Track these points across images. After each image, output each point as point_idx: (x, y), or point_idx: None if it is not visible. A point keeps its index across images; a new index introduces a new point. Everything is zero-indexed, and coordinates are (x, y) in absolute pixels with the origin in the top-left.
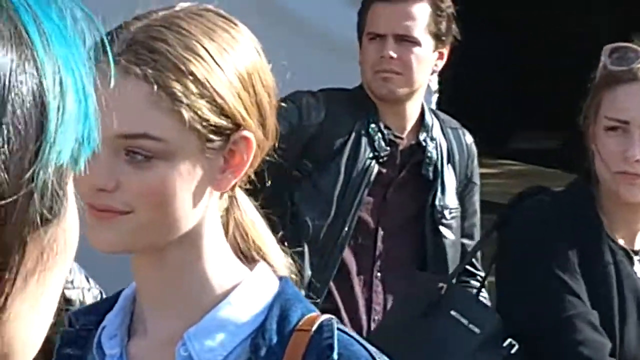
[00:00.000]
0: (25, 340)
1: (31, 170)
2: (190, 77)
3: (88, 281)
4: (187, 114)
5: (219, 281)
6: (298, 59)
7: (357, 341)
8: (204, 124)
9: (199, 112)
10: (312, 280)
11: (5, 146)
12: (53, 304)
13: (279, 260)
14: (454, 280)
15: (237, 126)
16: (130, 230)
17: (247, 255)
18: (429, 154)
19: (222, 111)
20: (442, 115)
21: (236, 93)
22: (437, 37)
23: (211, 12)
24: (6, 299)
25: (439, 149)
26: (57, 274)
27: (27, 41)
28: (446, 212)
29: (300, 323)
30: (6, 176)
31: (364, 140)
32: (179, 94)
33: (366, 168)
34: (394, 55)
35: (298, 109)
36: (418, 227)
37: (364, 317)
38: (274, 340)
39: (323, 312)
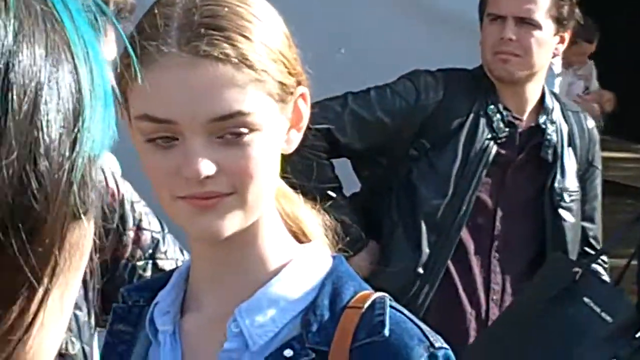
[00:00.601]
0: (49, 349)
1: (71, 159)
2: (258, 43)
3: (182, 253)
4: (268, 80)
5: (272, 258)
6: (417, 38)
7: (410, 319)
8: (280, 86)
9: (274, 76)
10: (430, 258)
11: (46, 130)
12: (71, 307)
13: (318, 233)
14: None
15: (297, 82)
16: (236, 212)
17: (295, 233)
18: (548, 137)
19: (288, 70)
20: (562, 99)
21: (289, 49)
22: (558, 21)
23: None
24: (41, 303)
25: (559, 131)
26: (78, 276)
27: (61, 25)
28: (565, 195)
29: (352, 300)
30: (48, 164)
31: (482, 120)
32: (257, 63)
33: (484, 148)
34: (514, 38)
35: (416, 88)
36: (537, 209)
37: (482, 297)
38: (326, 316)
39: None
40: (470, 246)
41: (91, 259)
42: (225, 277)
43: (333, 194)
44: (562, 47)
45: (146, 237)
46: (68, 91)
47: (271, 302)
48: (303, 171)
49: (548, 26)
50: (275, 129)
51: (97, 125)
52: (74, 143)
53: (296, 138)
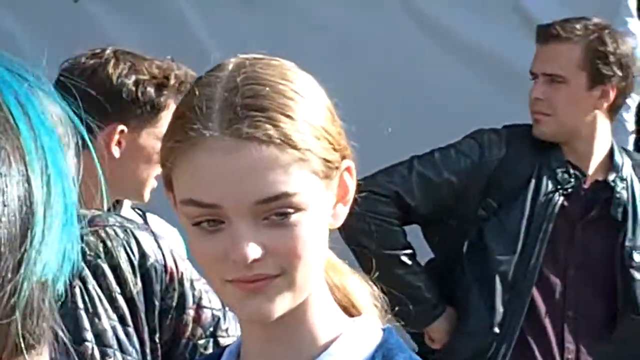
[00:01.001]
0: None
1: (14, 281)
2: (301, 122)
3: None
4: (312, 159)
5: (322, 332)
6: (477, 94)
7: None
8: (325, 163)
9: (318, 153)
10: (505, 317)
11: None
12: None
13: (367, 304)
14: None
15: (342, 157)
16: (282, 295)
17: (345, 306)
18: (617, 195)
19: (332, 146)
20: (635, 155)
21: (332, 124)
22: (594, 76)
23: (266, 58)
24: None
25: (629, 189)
26: None
27: (15, 130)
28: (636, 254)
29: None
30: None
31: (546, 174)
32: (299, 142)
33: (549, 200)
34: (541, 97)
35: (480, 145)
36: (608, 267)
37: (557, 356)
38: None
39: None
40: (542, 305)
41: None
42: (275, 354)
43: (408, 261)
44: (606, 102)
45: (207, 315)
46: (16, 205)
47: None
48: (377, 238)
49: (580, 81)
50: (321, 206)
51: (52, 246)
52: (18, 264)
53: (343, 212)
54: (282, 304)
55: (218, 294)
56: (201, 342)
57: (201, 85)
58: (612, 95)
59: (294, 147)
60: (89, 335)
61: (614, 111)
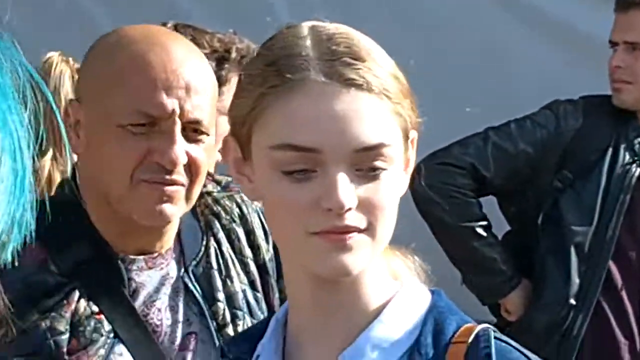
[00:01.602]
0: None
1: None
2: (395, 79)
3: None
4: (402, 113)
5: (375, 299)
6: (550, 66)
7: (516, 349)
8: (409, 121)
9: (407, 112)
10: (582, 288)
11: None
12: None
13: (405, 273)
14: None
15: (412, 125)
16: (367, 249)
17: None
18: None
19: (412, 110)
20: None
21: (410, 91)
22: None
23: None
24: None
25: None
26: None
27: None
28: None
29: (456, 335)
30: None
31: (623, 145)
32: (394, 95)
33: (626, 172)
34: (621, 65)
35: (556, 116)
36: None
37: (635, 327)
38: (430, 354)
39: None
40: (619, 276)
41: None
42: (328, 324)
43: (483, 232)
44: None
45: None
46: None
47: (374, 345)
48: (452, 210)
49: None
50: (401, 166)
51: None
52: None
53: (406, 180)
54: (363, 260)
55: (296, 250)
56: None
57: (286, 37)
58: None
59: (390, 99)
60: (221, 295)
61: None
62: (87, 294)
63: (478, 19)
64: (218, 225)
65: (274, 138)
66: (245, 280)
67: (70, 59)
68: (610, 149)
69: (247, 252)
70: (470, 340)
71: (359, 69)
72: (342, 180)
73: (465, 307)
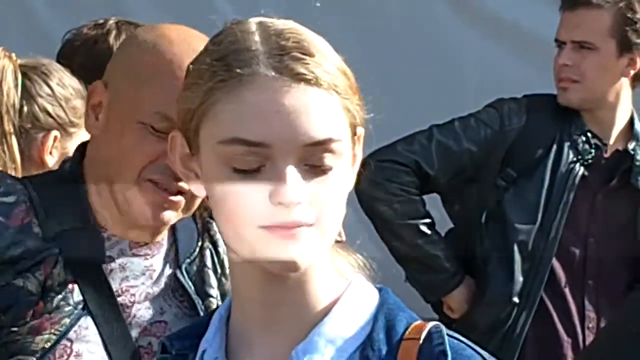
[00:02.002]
0: None
1: None
2: (343, 74)
3: None
4: (350, 109)
5: (324, 295)
6: (494, 63)
7: (469, 346)
8: (357, 118)
9: (355, 107)
10: (525, 286)
11: None
12: None
13: (352, 262)
14: None
15: (359, 121)
16: (314, 244)
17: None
18: (637, 163)
19: (358, 106)
20: None
21: (355, 84)
22: (623, 43)
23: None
24: None
25: None
26: None
27: None
28: None
29: (407, 332)
30: None
31: (566, 144)
32: (343, 91)
33: (569, 171)
34: (569, 63)
35: (500, 115)
36: (629, 235)
37: (577, 325)
38: (384, 350)
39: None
40: (562, 274)
41: None
42: (278, 319)
43: (427, 230)
44: (632, 70)
45: None
46: None
47: (327, 341)
48: (396, 208)
49: (609, 49)
50: (349, 162)
51: None
52: None
53: (353, 178)
54: (312, 254)
55: (244, 244)
56: None
57: (233, 33)
58: (639, 63)
59: (339, 94)
60: (214, 292)
61: (638, 79)
62: (65, 261)
63: (424, 15)
64: (215, 227)
65: (223, 132)
66: None
67: (14, 54)
68: (554, 147)
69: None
70: (422, 337)
71: (307, 63)
72: (291, 175)
73: (408, 305)
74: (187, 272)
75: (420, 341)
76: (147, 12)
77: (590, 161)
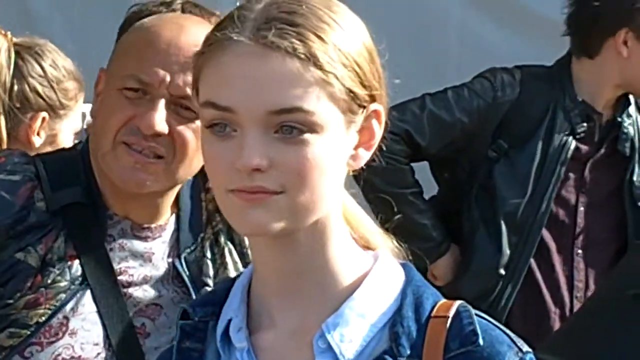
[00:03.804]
0: None
1: None
2: (332, 46)
3: None
4: (335, 84)
5: (348, 269)
6: (495, 36)
7: (496, 325)
8: (349, 94)
9: (344, 82)
10: (512, 259)
11: None
12: None
13: (386, 246)
14: None
15: (371, 98)
16: (282, 211)
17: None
18: (625, 130)
19: (360, 81)
20: None
21: (367, 63)
22: None
23: None
24: None
25: (635, 125)
26: None
27: None
28: None
29: (435, 309)
30: None
31: (560, 115)
32: (326, 64)
33: (563, 144)
34: None
35: (493, 86)
36: (617, 203)
37: (566, 295)
38: (412, 328)
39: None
40: (552, 244)
41: None
42: (300, 289)
43: (415, 200)
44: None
45: None
46: None
47: (357, 315)
48: (383, 176)
49: None
50: (339, 138)
51: None
52: None
53: (364, 156)
54: (278, 222)
55: (221, 206)
56: None
57: (245, 3)
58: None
59: (318, 67)
60: (210, 282)
61: None
62: (66, 235)
63: None
64: (219, 217)
65: (202, 95)
66: (242, 269)
67: (9, 33)
68: (547, 119)
69: (246, 243)
70: (451, 315)
71: (286, 33)
72: (252, 142)
73: None
74: (186, 261)
75: (449, 320)
76: None
77: (582, 134)
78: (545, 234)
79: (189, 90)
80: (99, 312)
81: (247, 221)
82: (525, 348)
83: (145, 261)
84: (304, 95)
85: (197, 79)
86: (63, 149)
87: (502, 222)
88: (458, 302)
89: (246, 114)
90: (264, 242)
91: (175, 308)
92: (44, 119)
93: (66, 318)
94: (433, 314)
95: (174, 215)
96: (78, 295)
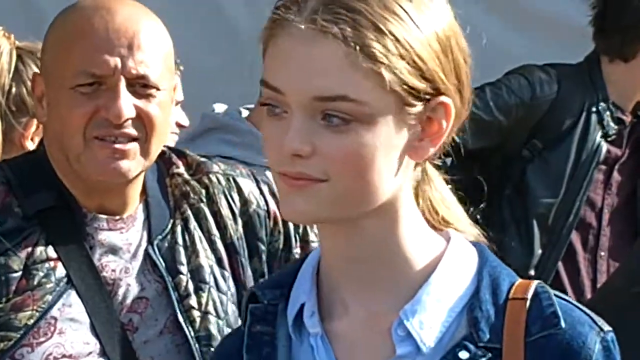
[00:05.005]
0: None
1: None
2: (390, 37)
3: None
4: (387, 75)
5: (421, 253)
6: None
7: (576, 306)
8: (404, 86)
9: (399, 73)
10: (542, 260)
11: None
12: None
13: (473, 235)
14: None
15: (436, 91)
16: (325, 200)
17: (434, 228)
18: None
19: (421, 73)
20: None
21: (435, 55)
22: None
23: None
24: None
25: None
26: None
27: None
28: None
29: (512, 291)
30: None
31: (594, 118)
32: (379, 54)
33: (596, 147)
34: None
35: (530, 84)
36: (633, 204)
37: (588, 297)
38: (491, 311)
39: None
40: (579, 246)
41: None
42: (371, 276)
43: None
44: None
45: (312, 248)
46: None
47: (435, 300)
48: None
49: None
50: (391, 130)
51: None
52: None
53: (428, 148)
54: (316, 211)
55: (275, 184)
56: None
57: None
58: None
59: (368, 56)
60: (184, 269)
61: None
62: (46, 239)
63: None
64: (186, 204)
65: (263, 73)
66: (212, 257)
67: (12, 36)
68: (582, 120)
69: (215, 231)
70: (529, 296)
71: (340, 19)
72: (297, 125)
73: None
74: (159, 249)
75: (528, 301)
76: None
77: (614, 136)
78: (574, 236)
79: (141, 70)
80: (86, 311)
81: (288, 208)
82: (607, 327)
83: (125, 252)
84: (351, 84)
85: (263, 54)
86: (28, 153)
87: (534, 223)
88: (535, 282)
89: (293, 98)
90: (329, 229)
91: (160, 298)
92: (38, 124)
93: (54, 319)
94: (511, 295)
95: (142, 203)
96: (64, 295)
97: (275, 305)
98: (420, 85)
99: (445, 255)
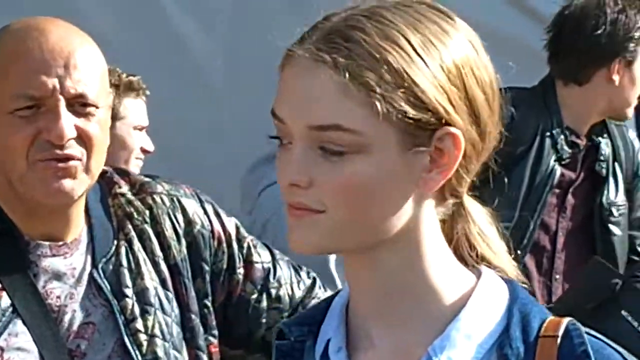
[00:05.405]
0: None
1: None
2: (385, 67)
3: (298, 273)
4: (380, 105)
5: (450, 287)
6: None
7: (607, 344)
8: (401, 116)
9: (394, 104)
10: None
11: None
12: None
13: (511, 272)
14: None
15: (441, 121)
16: (325, 231)
17: (467, 262)
18: (602, 152)
19: (422, 104)
20: None
21: (440, 86)
22: None
23: (424, 4)
24: None
25: (608, 146)
26: None
27: None
28: (614, 209)
29: (542, 329)
30: None
31: (548, 142)
32: (372, 84)
33: (550, 171)
34: None
35: None
36: (589, 226)
37: None
38: (521, 349)
39: None
40: (534, 270)
41: None
42: (395, 310)
43: None
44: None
45: (256, 269)
46: None
47: (465, 336)
48: None
49: None
50: (393, 160)
51: None
52: None
53: (437, 180)
54: (316, 242)
55: None
56: (254, 296)
57: (326, 15)
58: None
59: (366, 87)
60: (129, 291)
61: None
62: None
63: None
64: (130, 225)
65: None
66: (156, 278)
67: None
68: (535, 145)
69: (158, 251)
70: (560, 334)
71: (335, 48)
72: (296, 156)
73: None
74: (104, 272)
75: (559, 339)
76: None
77: (568, 160)
78: (528, 259)
79: (79, 88)
80: (33, 339)
81: (291, 238)
82: None
83: (69, 278)
84: (344, 112)
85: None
86: None
87: None
88: (567, 320)
89: (294, 128)
90: (350, 262)
91: (106, 322)
92: None
93: (1, 349)
94: (541, 333)
95: (86, 225)
96: (10, 325)
97: (302, 342)
98: (421, 115)
99: (476, 291)
